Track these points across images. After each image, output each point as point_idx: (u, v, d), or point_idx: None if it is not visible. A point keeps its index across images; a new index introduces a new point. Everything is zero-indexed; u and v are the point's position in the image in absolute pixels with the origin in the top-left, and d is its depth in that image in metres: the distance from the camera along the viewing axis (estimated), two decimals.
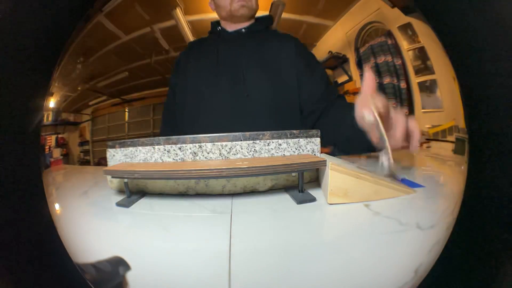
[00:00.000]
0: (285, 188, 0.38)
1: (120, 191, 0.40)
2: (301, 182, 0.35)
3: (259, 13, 0.51)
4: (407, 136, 0.35)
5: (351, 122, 0.36)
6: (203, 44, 0.50)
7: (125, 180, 0.36)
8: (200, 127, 0.47)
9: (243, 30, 0.50)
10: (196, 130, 0.37)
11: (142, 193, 0.39)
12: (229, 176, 0.34)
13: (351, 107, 0.37)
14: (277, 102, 0.47)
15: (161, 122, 0.49)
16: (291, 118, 0.48)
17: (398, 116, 0.34)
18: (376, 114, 0.32)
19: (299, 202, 0.34)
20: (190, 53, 0.50)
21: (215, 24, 0.51)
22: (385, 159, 0.33)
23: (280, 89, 0.48)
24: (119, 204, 0.36)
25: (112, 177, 0.38)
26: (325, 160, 0.34)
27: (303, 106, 0.48)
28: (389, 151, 0.33)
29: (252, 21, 0.51)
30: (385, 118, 0.33)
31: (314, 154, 0.39)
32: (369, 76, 0.35)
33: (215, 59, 0.48)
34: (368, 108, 0.32)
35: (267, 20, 0.50)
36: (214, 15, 0.52)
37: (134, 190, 0.39)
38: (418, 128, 0.35)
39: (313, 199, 0.34)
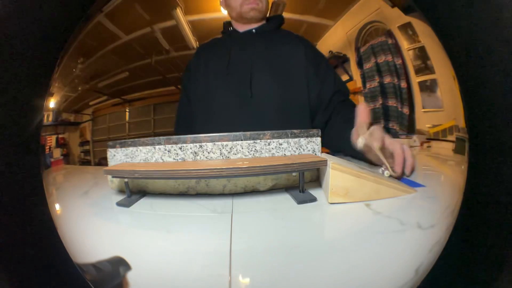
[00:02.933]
0: (286, 188, 0.38)
1: (121, 191, 0.40)
2: (301, 182, 0.35)
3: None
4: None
5: (350, 143, 0.40)
6: (215, 45, 0.50)
7: (126, 180, 0.36)
8: (213, 128, 0.47)
9: (254, 30, 0.50)
10: (210, 132, 0.38)
11: (143, 193, 0.39)
12: (229, 176, 0.34)
13: (351, 121, 0.41)
14: (285, 104, 0.47)
15: (175, 126, 0.49)
16: (300, 121, 0.48)
17: (395, 147, 0.38)
18: (369, 144, 0.37)
19: (300, 202, 0.34)
20: (201, 55, 0.50)
21: (227, 24, 0.51)
22: (385, 171, 0.37)
23: (288, 90, 0.47)
24: (119, 204, 0.36)
25: (113, 176, 0.38)
26: (326, 160, 0.34)
27: (312, 109, 0.48)
28: (389, 168, 0.37)
29: (263, 21, 0.51)
30: (382, 148, 0.37)
31: (315, 154, 0.39)
32: (362, 109, 0.39)
33: (226, 59, 0.48)
34: (360, 138, 0.37)
35: (278, 20, 0.50)
36: (214, 15, 0.52)
37: (135, 190, 0.39)
38: (411, 156, 0.39)
39: (313, 199, 0.34)
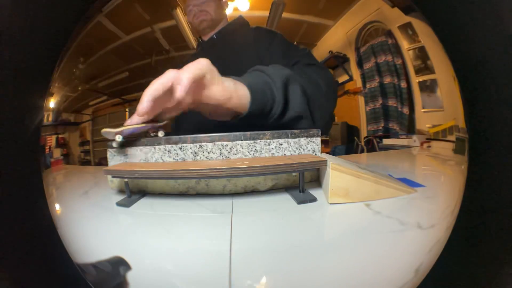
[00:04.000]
0: (286, 188, 0.38)
1: (121, 191, 0.40)
2: (301, 182, 0.35)
3: (258, 13, 0.51)
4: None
5: None
6: (191, 54, 0.52)
7: (126, 180, 0.36)
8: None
9: (215, 36, 0.52)
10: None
11: (143, 193, 0.38)
12: (229, 176, 0.34)
13: None
14: None
15: None
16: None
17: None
18: None
19: (300, 202, 0.34)
20: None
21: (198, 37, 0.53)
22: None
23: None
24: (119, 204, 0.36)
25: (113, 176, 0.38)
26: (326, 160, 0.34)
27: None
28: None
29: (223, 25, 0.52)
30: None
31: (315, 154, 0.39)
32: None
33: None
34: None
35: (238, 21, 0.51)
36: None
37: (135, 190, 0.39)
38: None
39: (313, 199, 0.34)
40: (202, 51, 0.52)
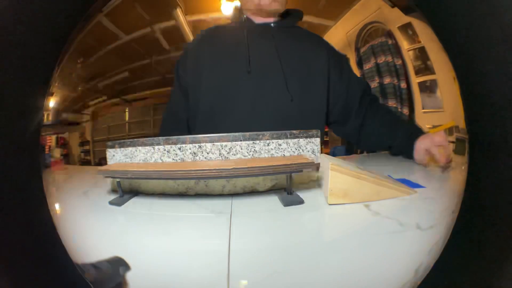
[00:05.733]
0: (274, 190, 0.38)
1: (123, 191, 0.40)
2: (288, 184, 0.35)
3: None
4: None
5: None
6: (221, 34, 0.45)
7: (117, 179, 0.36)
8: (226, 130, 0.40)
9: (272, 24, 0.45)
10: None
11: (135, 192, 0.39)
12: (225, 176, 0.34)
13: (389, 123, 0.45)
14: (317, 109, 0.44)
15: (161, 127, 0.44)
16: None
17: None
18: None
19: (286, 204, 0.34)
20: (205, 41, 0.44)
21: (239, 11, 0.45)
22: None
23: (310, 94, 0.44)
24: (112, 203, 0.37)
25: (105, 176, 0.38)
26: (314, 162, 0.34)
27: (333, 111, 0.45)
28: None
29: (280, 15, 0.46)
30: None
31: (314, 154, 0.39)
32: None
33: (245, 53, 0.42)
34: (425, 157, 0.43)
35: (298, 15, 0.46)
36: (214, 15, 0.52)
37: (134, 190, 0.39)
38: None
39: (301, 201, 0.34)
40: (251, 35, 0.44)
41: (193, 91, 0.44)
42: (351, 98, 0.46)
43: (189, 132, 0.44)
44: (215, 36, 0.45)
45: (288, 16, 0.46)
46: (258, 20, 0.45)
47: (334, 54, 0.45)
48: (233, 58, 0.43)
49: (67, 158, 0.48)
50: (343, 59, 0.46)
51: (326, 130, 0.46)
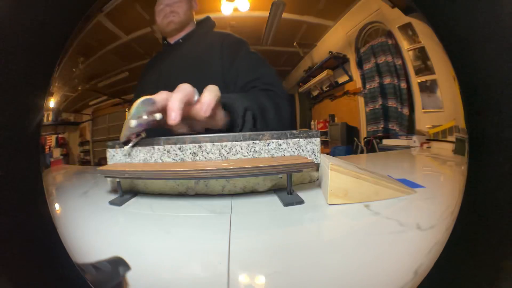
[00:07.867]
0: (274, 190, 0.38)
1: (123, 191, 0.40)
2: (289, 184, 0.35)
3: (257, 13, 0.50)
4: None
5: None
6: (155, 58, 0.51)
7: (117, 180, 0.36)
8: None
9: (181, 40, 0.50)
10: None
11: (135, 192, 0.39)
12: (226, 176, 0.34)
13: None
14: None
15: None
16: None
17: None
18: None
19: (286, 204, 0.34)
20: (144, 68, 0.50)
21: (163, 38, 0.51)
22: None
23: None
24: (112, 203, 0.37)
25: (105, 176, 0.38)
26: (313, 162, 0.34)
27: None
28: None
29: (191, 28, 0.50)
30: None
31: (314, 154, 0.39)
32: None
33: (157, 73, 0.48)
34: None
35: (206, 23, 0.49)
36: (214, 15, 0.52)
37: (135, 190, 0.39)
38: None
39: (301, 201, 0.34)
40: (166, 54, 0.50)
41: None
42: (240, 82, 0.46)
43: None
44: (151, 61, 0.50)
45: (197, 26, 0.50)
46: (172, 40, 0.50)
47: (229, 40, 0.47)
48: (151, 78, 0.49)
49: (67, 158, 0.48)
50: (241, 44, 0.47)
51: (326, 130, 0.46)
